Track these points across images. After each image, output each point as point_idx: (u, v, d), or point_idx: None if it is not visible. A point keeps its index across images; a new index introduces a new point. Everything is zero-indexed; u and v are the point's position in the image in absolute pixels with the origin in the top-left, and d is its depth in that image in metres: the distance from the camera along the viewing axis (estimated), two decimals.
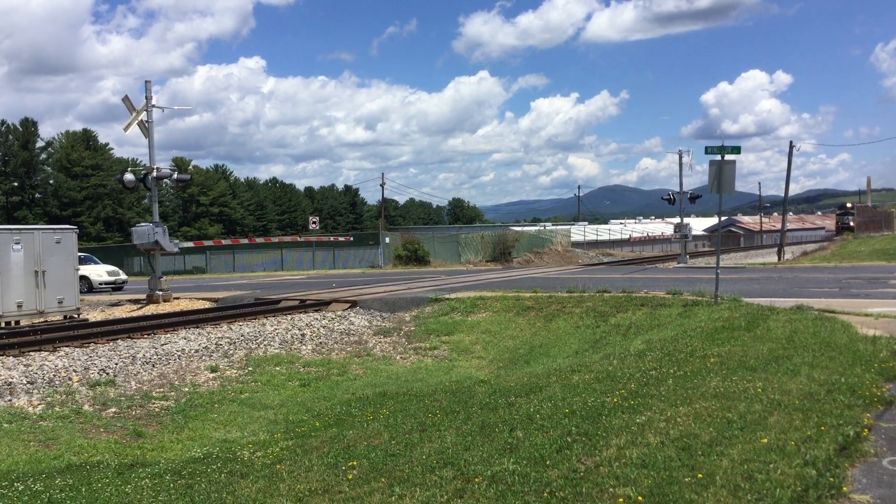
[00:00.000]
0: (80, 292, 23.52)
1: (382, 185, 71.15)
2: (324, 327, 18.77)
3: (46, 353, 14.73)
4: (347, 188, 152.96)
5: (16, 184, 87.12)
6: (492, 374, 13.73)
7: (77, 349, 15.11)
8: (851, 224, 78.08)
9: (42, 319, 20.85)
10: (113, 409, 11.69)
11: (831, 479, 4.97)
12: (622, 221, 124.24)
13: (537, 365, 13.79)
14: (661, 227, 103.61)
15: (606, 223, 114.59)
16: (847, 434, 5.93)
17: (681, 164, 43.20)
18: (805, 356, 9.20)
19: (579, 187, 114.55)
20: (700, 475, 5.21)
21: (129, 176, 25.60)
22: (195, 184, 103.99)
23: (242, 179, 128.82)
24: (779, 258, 49.55)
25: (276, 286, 30.36)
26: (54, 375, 13.05)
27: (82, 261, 29.91)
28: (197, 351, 15.63)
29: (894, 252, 40.20)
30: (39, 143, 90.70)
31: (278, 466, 6.95)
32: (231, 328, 17.99)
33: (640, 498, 4.91)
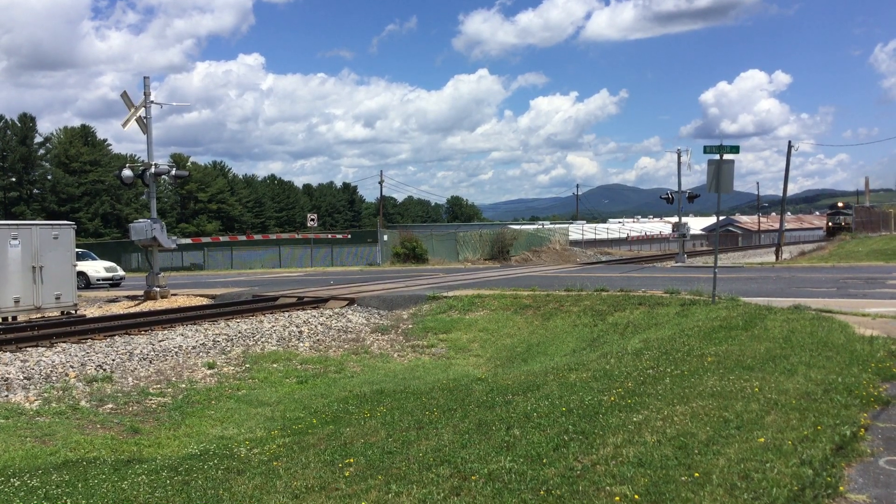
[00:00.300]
0: (78, 288, 23.51)
1: (381, 183, 71.11)
2: (321, 325, 18.76)
3: (43, 348, 14.71)
4: (346, 185, 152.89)
5: (13, 179, 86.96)
6: (489, 373, 13.73)
7: (74, 345, 15.09)
8: (843, 224, 76.25)
9: (39, 315, 20.83)
10: (110, 406, 11.68)
11: (828, 479, 4.98)
12: (620, 220, 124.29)
13: (535, 363, 13.79)
14: (660, 227, 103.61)
15: (605, 222, 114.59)
16: (844, 434, 5.94)
17: (679, 164, 43.24)
18: (802, 356, 9.21)
19: (578, 186, 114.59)
20: (696, 474, 5.21)
21: (127, 172, 25.58)
22: (193, 180, 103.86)
23: (241, 176, 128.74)
24: (777, 258, 49.59)
25: (273, 283, 30.35)
26: (51, 371, 13.03)
27: (80, 257, 29.85)
28: (194, 347, 15.61)
29: (892, 252, 40.24)
30: (37, 139, 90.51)
31: (275, 463, 6.95)
32: (228, 325, 17.98)
33: (636, 496, 4.91)
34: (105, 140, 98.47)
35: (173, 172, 26.65)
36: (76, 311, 21.92)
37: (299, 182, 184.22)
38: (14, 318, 20.22)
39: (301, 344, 16.91)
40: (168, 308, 22.05)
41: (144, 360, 14.39)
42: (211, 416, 11.57)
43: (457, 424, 7.57)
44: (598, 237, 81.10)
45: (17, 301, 20.42)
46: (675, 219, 47.26)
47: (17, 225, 21.44)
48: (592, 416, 7.12)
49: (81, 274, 30.20)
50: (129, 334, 16.43)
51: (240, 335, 16.94)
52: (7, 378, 12.42)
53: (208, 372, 14.16)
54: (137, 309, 23.00)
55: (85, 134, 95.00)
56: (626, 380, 8.83)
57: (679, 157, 43.39)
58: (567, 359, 13.18)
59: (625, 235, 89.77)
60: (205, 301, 24.29)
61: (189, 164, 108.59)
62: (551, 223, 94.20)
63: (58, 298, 21.34)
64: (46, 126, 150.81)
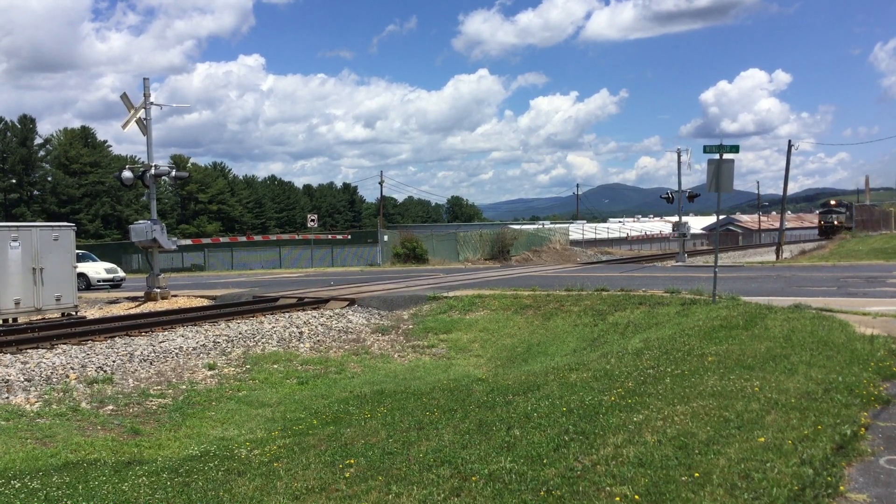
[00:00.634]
0: (79, 290, 23.50)
1: (381, 183, 71.13)
2: (322, 325, 18.76)
3: (44, 350, 14.71)
4: (346, 186, 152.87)
5: (14, 181, 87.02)
6: (490, 373, 13.73)
7: (75, 347, 15.09)
8: (837, 223, 74.09)
9: (40, 317, 20.83)
10: (110, 407, 11.68)
11: (828, 479, 4.97)
12: (621, 220, 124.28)
13: (535, 363, 13.78)
14: (660, 226, 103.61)
15: (605, 222, 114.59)
16: (844, 433, 5.94)
17: (679, 163, 43.23)
18: (803, 355, 9.21)
19: (578, 186, 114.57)
20: (697, 474, 5.21)
21: (127, 173, 25.57)
22: (194, 181, 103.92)
23: (241, 177, 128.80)
24: (777, 257, 49.59)
25: (274, 284, 30.35)
26: (52, 373, 13.03)
27: (80, 258, 29.88)
28: (195, 349, 15.61)
29: (892, 251, 40.24)
30: (38, 141, 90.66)
31: (275, 464, 6.95)
32: (229, 326, 17.98)
33: (636, 497, 4.91)
34: (105, 141, 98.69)
35: (173, 174, 26.65)
36: (76, 312, 21.91)
37: (299, 183, 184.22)
38: (14, 319, 20.22)
39: (301, 345, 16.91)
40: (168, 309, 22.05)
41: (145, 361, 14.39)
42: (211, 417, 11.57)
43: (457, 425, 7.57)
44: (598, 237, 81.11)
45: (17, 303, 20.42)
46: (675, 218, 47.25)
47: (17, 226, 21.44)
48: (593, 416, 7.12)
49: (82, 275, 30.20)
50: (130, 336, 16.43)
51: (240, 336, 16.94)
52: (8, 380, 12.42)
53: (209, 373, 14.16)
54: (138, 310, 23.01)
55: (85, 135, 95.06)
56: (626, 379, 8.83)
57: (679, 156, 43.40)
58: (567, 359, 13.18)
59: (625, 235, 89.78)
60: (205, 302, 24.29)
61: (189, 165, 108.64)
62: (551, 223, 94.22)
63: (58, 300, 21.34)
64: (47, 128, 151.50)
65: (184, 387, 13.15)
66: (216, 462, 7.47)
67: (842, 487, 4.87)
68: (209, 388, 13.26)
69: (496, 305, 19.40)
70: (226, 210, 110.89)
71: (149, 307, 23.60)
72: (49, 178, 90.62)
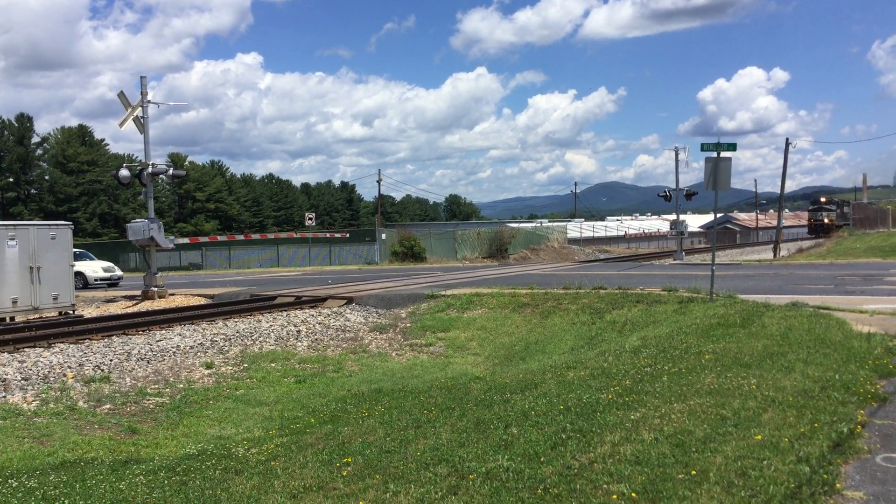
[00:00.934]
0: (76, 288, 23.50)
1: (379, 182, 71.13)
2: (319, 324, 18.76)
3: (41, 349, 14.69)
4: (344, 184, 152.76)
5: (11, 179, 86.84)
6: (487, 371, 13.74)
7: (72, 345, 15.07)
8: (827, 221, 73.29)
9: (37, 315, 20.81)
10: (107, 406, 11.68)
11: (825, 476, 4.98)
12: (619, 218, 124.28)
13: (533, 361, 13.79)
14: (658, 224, 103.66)
15: (603, 220, 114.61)
16: (841, 431, 5.94)
17: (677, 161, 43.25)
18: (800, 353, 9.22)
19: (576, 184, 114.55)
20: (694, 472, 5.21)
21: (124, 172, 25.55)
22: (191, 180, 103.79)
23: (239, 175, 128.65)
24: (775, 255, 49.62)
25: (271, 282, 30.34)
26: (49, 372, 13.02)
27: (77, 257, 29.84)
28: (192, 347, 15.61)
29: (889, 249, 40.29)
30: (35, 139, 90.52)
31: (273, 463, 6.95)
32: (226, 324, 17.96)
33: (633, 494, 4.91)
34: (103, 140, 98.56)
35: (170, 172, 26.63)
36: (74, 311, 21.90)
37: (297, 181, 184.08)
38: (12, 318, 20.21)
39: (299, 343, 16.91)
40: (166, 308, 22.04)
41: (142, 360, 14.38)
42: (209, 416, 11.57)
43: (455, 423, 7.57)
44: (596, 235, 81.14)
45: (14, 301, 20.40)
46: (673, 216, 47.27)
47: (14, 225, 21.42)
48: (590, 414, 7.12)
49: (79, 274, 30.18)
50: (127, 334, 16.41)
51: (238, 335, 16.93)
52: (5, 379, 12.41)
53: (206, 372, 14.15)
54: (135, 309, 22.99)
55: (82, 134, 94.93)
56: (623, 378, 8.83)
57: (677, 154, 43.42)
58: (565, 357, 13.19)
59: (623, 233, 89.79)
60: (202, 301, 24.27)
61: (187, 163, 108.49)
62: (549, 221, 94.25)
63: (55, 299, 21.33)
64: (44, 126, 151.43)
65: (181, 385, 13.14)
66: (213, 461, 7.48)
67: (838, 485, 4.88)
68: (206, 386, 13.25)
69: (494, 304, 19.40)
70: (223, 208, 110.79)
71: (146, 306, 23.59)
72: (46, 177, 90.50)
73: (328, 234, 56.15)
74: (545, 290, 20.15)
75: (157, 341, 15.79)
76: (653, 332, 13.20)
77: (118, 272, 35.11)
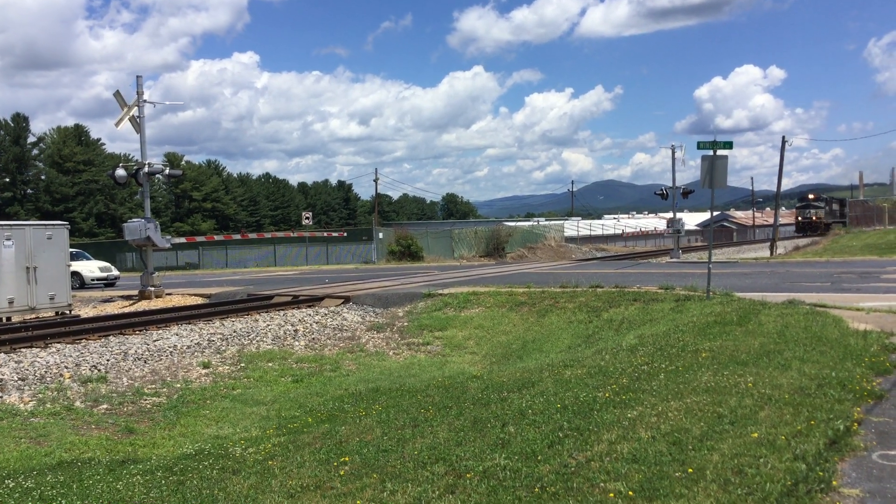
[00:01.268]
0: (72, 288, 23.47)
1: (376, 181, 71.07)
2: (316, 323, 18.75)
3: (38, 349, 14.68)
4: (341, 183, 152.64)
5: (7, 179, 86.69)
6: (484, 370, 13.74)
7: (69, 345, 15.06)
8: (815, 219, 71.90)
9: (33, 316, 20.79)
10: (104, 406, 11.66)
11: (821, 474, 4.99)
12: (615, 216, 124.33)
13: (530, 360, 13.80)
14: (654, 222, 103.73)
15: (600, 218, 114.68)
16: (837, 428, 5.95)
17: (673, 160, 43.29)
18: (796, 351, 9.23)
19: (573, 182, 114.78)
20: (690, 470, 5.22)
21: (120, 171, 25.52)
22: (188, 179, 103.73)
23: (235, 175, 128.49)
24: (771, 253, 49.70)
25: (268, 282, 30.32)
26: (45, 372, 13.01)
27: (74, 257, 29.81)
28: (189, 347, 15.59)
29: (886, 246, 40.38)
30: (31, 139, 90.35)
31: (270, 462, 6.95)
32: (223, 324, 17.95)
33: (630, 493, 4.92)
34: (99, 139, 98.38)
35: (167, 171, 26.62)
36: (70, 311, 21.87)
37: (294, 180, 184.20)
38: (8, 318, 20.18)
39: (296, 342, 16.90)
40: (163, 308, 22.02)
41: (139, 360, 14.36)
42: (206, 415, 11.55)
43: (452, 422, 7.57)
44: (593, 233, 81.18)
45: (11, 302, 20.37)
46: (669, 214, 47.32)
47: (10, 225, 21.38)
48: (587, 412, 7.13)
49: (76, 274, 30.16)
50: (124, 334, 16.40)
51: (235, 334, 16.92)
52: (1, 379, 12.39)
53: (203, 371, 14.14)
54: (132, 309, 22.96)
55: (78, 133, 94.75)
56: (620, 376, 8.84)
57: (673, 152, 43.46)
58: (562, 355, 13.19)
59: (620, 231, 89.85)
60: (199, 300, 24.25)
61: (183, 162, 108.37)
62: (546, 220, 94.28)
63: (52, 299, 21.30)
64: (40, 126, 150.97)
65: (178, 385, 13.13)
66: (211, 460, 7.47)
67: (834, 482, 4.89)
68: (204, 386, 13.24)
69: (491, 302, 19.41)
70: (220, 208, 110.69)
71: (143, 305, 23.56)
72: (42, 177, 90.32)
73: (325, 234, 56.14)
74: (542, 289, 20.16)
75: (154, 341, 15.78)
76: (650, 331, 13.21)
77: (115, 272, 35.08)
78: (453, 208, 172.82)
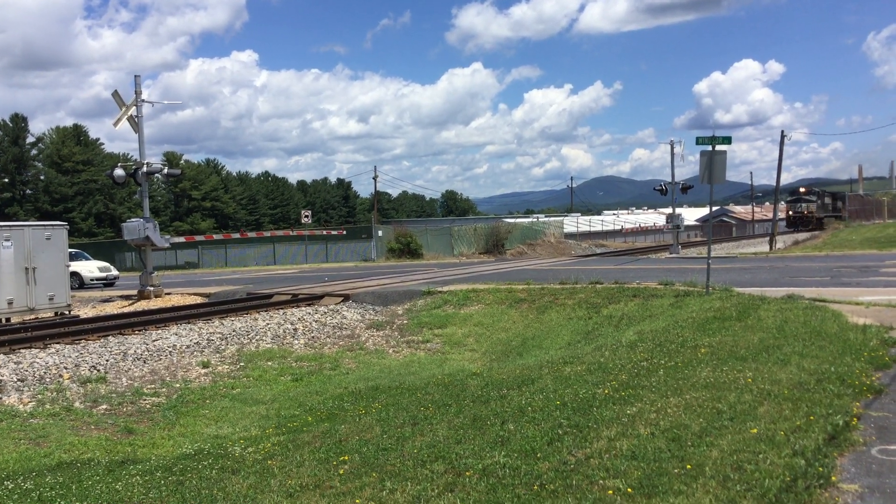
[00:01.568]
0: (72, 288, 23.47)
1: (375, 178, 71.08)
2: (316, 321, 18.74)
3: (37, 350, 14.67)
4: (340, 181, 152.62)
5: (6, 180, 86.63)
6: (484, 367, 13.73)
7: (68, 346, 15.06)
8: (807, 213, 70.14)
9: (33, 316, 20.78)
10: (104, 406, 11.66)
11: (820, 469, 4.98)
12: (615, 212, 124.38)
13: (529, 357, 13.79)
14: (654, 218, 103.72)
15: (599, 214, 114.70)
16: (836, 423, 5.94)
17: (672, 155, 43.28)
18: (795, 346, 9.23)
19: (572, 178, 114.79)
20: (689, 466, 5.22)
21: (119, 171, 25.50)
22: (187, 178, 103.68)
23: (234, 174, 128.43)
24: (771, 247, 49.67)
25: (268, 280, 30.31)
26: (45, 373, 13.00)
27: (73, 257, 29.80)
28: (188, 346, 15.59)
29: (885, 240, 40.36)
30: (30, 139, 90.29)
31: (270, 462, 6.94)
32: (223, 323, 17.95)
33: (629, 490, 4.91)
34: (98, 139, 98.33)
35: (165, 171, 26.60)
36: (70, 311, 21.86)
37: (293, 179, 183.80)
38: (8, 319, 20.17)
39: (296, 341, 16.89)
40: (162, 307, 22.01)
41: (138, 360, 14.36)
42: (205, 415, 11.55)
43: (451, 420, 7.57)
44: (592, 229, 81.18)
45: (10, 303, 20.37)
46: (669, 210, 47.34)
47: (9, 226, 21.37)
48: (587, 409, 7.12)
49: (75, 274, 30.15)
50: (123, 334, 16.40)
51: (234, 333, 16.91)
52: (1, 380, 12.39)
53: (203, 371, 14.13)
54: (131, 308, 22.95)
55: (77, 133, 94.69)
56: (620, 372, 8.84)
57: (672, 148, 43.46)
58: (562, 352, 13.19)
59: (619, 227, 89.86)
60: (199, 300, 24.24)
61: (182, 161, 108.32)
62: (546, 216, 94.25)
63: (51, 299, 21.30)
64: (39, 126, 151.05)
65: (178, 385, 13.12)
66: (210, 460, 7.47)
67: (834, 478, 4.88)
68: (203, 386, 13.23)
69: (491, 300, 19.40)
70: (219, 207, 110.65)
71: (142, 305, 23.55)
72: (42, 177, 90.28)
73: (324, 232, 56.13)
74: (542, 286, 20.16)
75: (154, 341, 15.77)
76: (649, 327, 13.21)
77: (114, 272, 35.07)
78: (453, 205, 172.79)
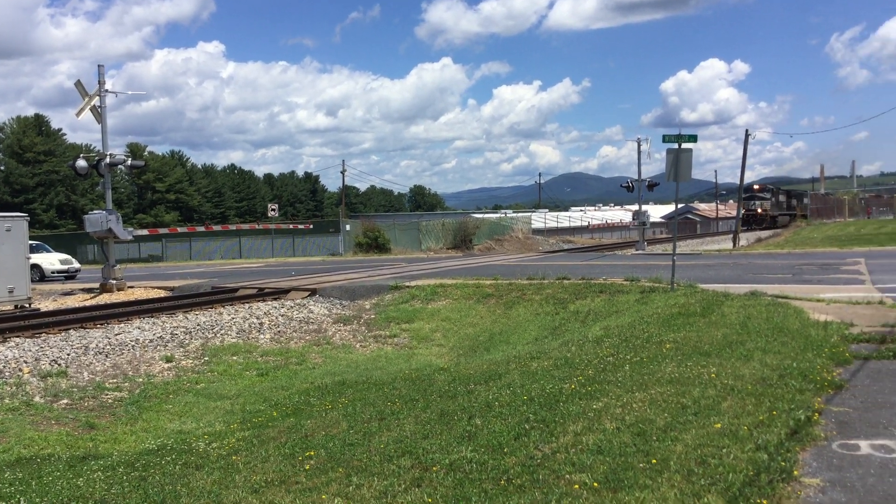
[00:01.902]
0: (32, 281, 23.00)
1: (343, 173, 70.64)
2: (282, 316, 18.60)
3: None
4: (308, 175, 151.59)
5: None
6: (451, 362, 13.73)
7: (28, 340, 14.76)
8: (760, 212, 69.40)
9: None
10: (65, 401, 11.45)
11: (782, 464, 5.05)
12: (582, 209, 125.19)
13: (497, 352, 13.83)
14: (620, 215, 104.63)
15: (567, 210, 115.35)
16: (798, 418, 6.04)
17: (639, 152, 43.63)
18: (758, 341, 9.36)
19: (540, 175, 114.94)
20: (654, 460, 5.26)
21: (81, 162, 25.02)
22: (151, 170, 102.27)
23: (200, 166, 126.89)
24: (734, 245, 50.37)
25: (233, 274, 30.02)
26: (4, 367, 12.73)
27: (34, 249, 29.23)
28: (151, 341, 15.38)
29: (846, 238, 41.14)
30: None
31: (234, 458, 6.87)
32: (187, 317, 17.73)
33: (595, 484, 4.94)
34: (60, 130, 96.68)
35: (129, 162, 26.15)
36: (30, 304, 21.44)
37: (260, 172, 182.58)
38: None
39: (262, 336, 16.75)
40: (125, 301, 21.67)
41: (100, 354, 14.13)
42: (169, 410, 11.41)
43: (419, 415, 7.56)
44: (560, 225, 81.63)
45: None
46: (635, 207, 47.72)
47: None
48: (553, 404, 7.16)
49: (36, 267, 29.56)
50: (85, 328, 16.11)
51: (199, 328, 16.72)
52: None
53: (166, 365, 13.95)
54: (93, 302, 22.57)
55: (39, 123, 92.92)
56: (586, 367, 8.89)
57: (639, 145, 43.79)
58: (529, 347, 13.24)
59: (586, 223, 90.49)
60: (162, 293, 23.91)
61: (146, 153, 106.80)
62: (514, 212, 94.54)
63: (11, 292, 20.86)
64: (0, 115, 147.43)
65: (140, 380, 12.94)
66: (173, 456, 7.37)
67: (796, 472, 4.95)
68: (166, 380, 13.06)
69: (458, 295, 19.41)
70: (184, 199, 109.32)
71: (104, 299, 23.17)
72: (2, 167, 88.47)
73: (291, 226, 55.75)
74: (509, 281, 20.22)
75: (116, 335, 15.53)
76: (615, 322, 13.31)
77: (76, 264, 34.46)
78: (421, 200, 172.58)
